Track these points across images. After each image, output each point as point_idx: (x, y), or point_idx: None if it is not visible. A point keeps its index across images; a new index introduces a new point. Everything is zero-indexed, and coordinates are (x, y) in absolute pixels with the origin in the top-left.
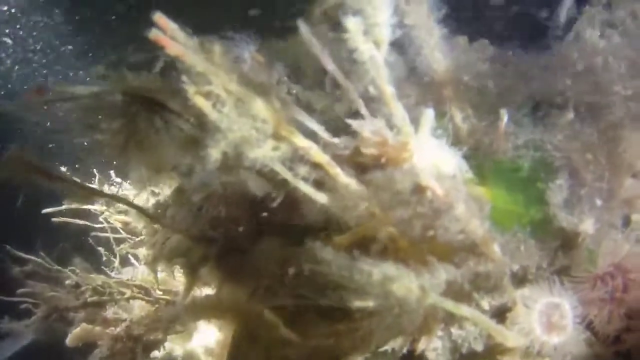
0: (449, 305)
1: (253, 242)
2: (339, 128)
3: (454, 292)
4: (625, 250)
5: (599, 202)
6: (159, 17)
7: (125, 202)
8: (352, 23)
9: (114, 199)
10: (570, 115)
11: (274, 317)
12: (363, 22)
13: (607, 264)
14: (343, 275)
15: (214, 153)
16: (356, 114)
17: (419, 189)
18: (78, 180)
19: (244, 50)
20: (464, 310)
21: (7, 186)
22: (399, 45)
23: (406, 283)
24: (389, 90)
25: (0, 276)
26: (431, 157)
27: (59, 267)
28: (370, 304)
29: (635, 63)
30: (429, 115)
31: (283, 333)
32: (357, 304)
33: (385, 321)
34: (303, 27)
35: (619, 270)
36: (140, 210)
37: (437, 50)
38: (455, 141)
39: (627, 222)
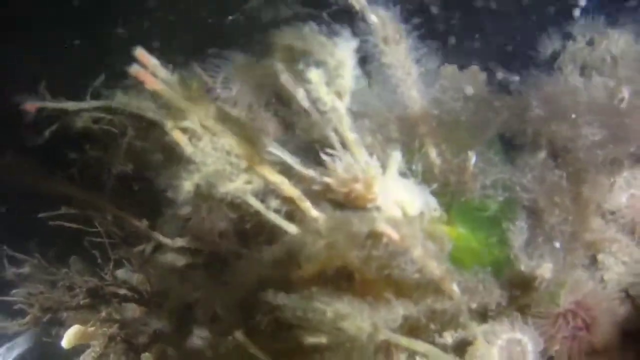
0: (403, 340)
1: (237, 257)
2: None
3: (412, 327)
4: (588, 288)
5: (557, 245)
6: (140, 53)
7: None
8: (314, 74)
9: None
10: (542, 155)
11: (244, 338)
12: (325, 72)
13: (570, 301)
14: (298, 315)
15: (187, 185)
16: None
17: (374, 234)
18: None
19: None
20: (418, 345)
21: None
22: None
23: (358, 321)
24: (351, 137)
25: None
26: (395, 198)
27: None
28: (323, 340)
29: (606, 108)
30: (395, 157)
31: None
32: (310, 340)
33: (336, 357)
34: (279, 68)
35: (581, 308)
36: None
37: (413, 89)
38: (428, 177)
39: (593, 262)
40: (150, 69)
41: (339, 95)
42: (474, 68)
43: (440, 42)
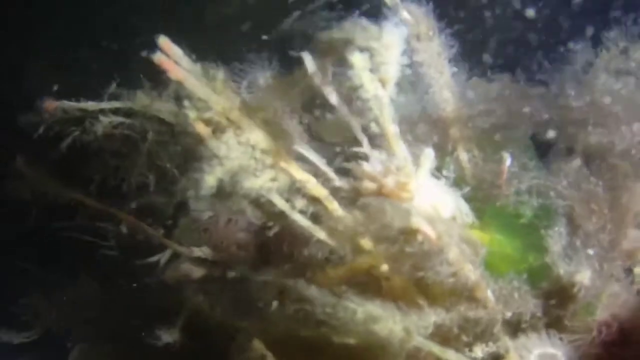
0: (435, 348)
1: (256, 270)
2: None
3: (442, 336)
4: (624, 301)
5: (595, 252)
6: (163, 41)
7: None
8: (357, 59)
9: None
10: (578, 162)
11: (262, 348)
12: (370, 59)
13: (605, 314)
14: (327, 312)
15: (210, 180)
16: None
17: (409, 230)
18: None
19: (259, 74)
20: (450, 355)
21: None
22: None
23: (390, 324)
24: (392, 129)
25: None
26: (430, 199)
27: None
28: (351, 341)
29: None
30: (429, 155)
31: None
32: (338, 340)
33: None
34: (308, 60)
35: (616, 322)
36: None
37: (445, 89)
38: (459, 181)
39: (629, 274)
40: (173, 57)
41: (382, 82)
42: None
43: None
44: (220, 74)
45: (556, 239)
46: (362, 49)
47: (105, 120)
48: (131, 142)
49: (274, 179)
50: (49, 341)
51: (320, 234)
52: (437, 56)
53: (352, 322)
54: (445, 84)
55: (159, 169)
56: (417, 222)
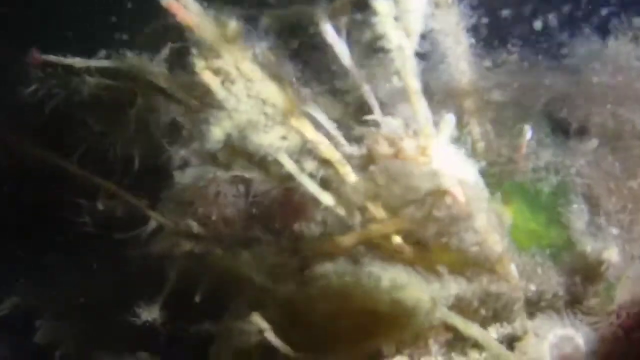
0: (459, 322)
1: (244, 246)
2: (348, 137)
3: (461, 309)
4: None
5: (616, 232)
6: None
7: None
8: (382, 4)
9: None
10: (595, 143)
11: (261, 322)
12: (395, 7)
13: (625, 298)
14: (348, 281)
15: (217, 132)
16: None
17: (437, 192)
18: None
19: (255, 45)
20: (474, 329)
21: None
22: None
23: (417, 292)
24: (414, 84)
25: None
26: (450, 166)
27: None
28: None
29: None
30: (449, 120)
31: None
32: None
33: (389, 332)
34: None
35: (637, 306)
36: None
37: (462, 60)
38: (472, 156)
39: None
40: (182, 1)
41: (407, 33)
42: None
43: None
44: (233, 22)
45: (578, 215)
46: None
47: (91, 81)
48: (118, 107)
49: (284, 137)
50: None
51: (329, 199)
52: (455, 25)
53: (377, 289)
54: (462, 55)
55: (146, 137)
56: (448, 184)
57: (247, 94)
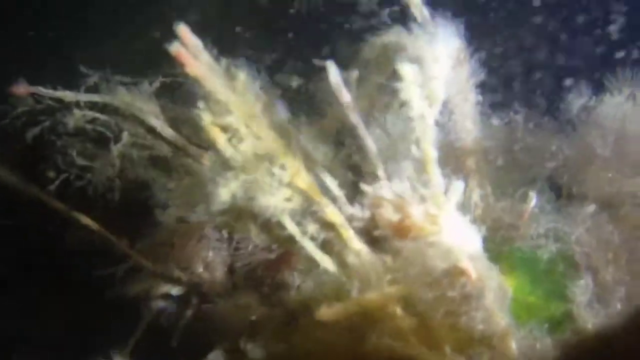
0: None
1: (223, 294)
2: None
3: None
4: None
5: (619, 306)
6: (182, 30)
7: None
8: (408, 70)
9: None
10: (592, 208)
11: None
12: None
13: None
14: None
15: (224, 194)
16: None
17: (453, 271)
18: None
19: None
20: None
21: None
22: None
23: None
24: (432, 154)
25: None
26: (457, 235)
27: None
28: None
29: None
30: (458, 188)
31: None
32: None
33: None
34: (332, 70)
35: None
36: None
37: (469, 118)
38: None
39: None
40: (192, 50)
41: (430, 100)
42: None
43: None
44: (242, 73)
45: (581, 290)
46: (411, 59)
47: (78, 113)
48: (103, 141)
49: (288, 199)
50: None
51: (329, 264)
52: (465, 82)
53: None
54: (468, 113)
55: (129, 174)
56: (463, 262)
57: (254, 153)
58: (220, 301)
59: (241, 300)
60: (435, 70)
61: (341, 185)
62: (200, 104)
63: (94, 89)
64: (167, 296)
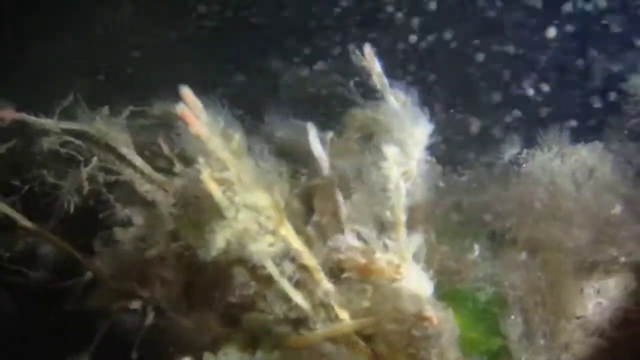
0: None
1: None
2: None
3: None
4: None
5: (542, 342)
6: (186, 93)
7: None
8: (392, 152)
9: None
10: (523, 256)
11: None
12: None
13: None
14: None
15: (219, 240)
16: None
17: (419, 316)
18: None
19: None
20: None
21: None
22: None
23: None
24: (402, 218)
25: None
26: (416, 282)
27: None
28: None
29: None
30: (416, 241)
31: None
32: None
33: None
34: (312, 132)
35: None
36: None
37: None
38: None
39: None
40: (194, 110)
41: (405, 177)
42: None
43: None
44: (237, 135)
45: (513, 326)
46: (395, 141)
47: (54, 136)
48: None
49: (272, 245)
50: None
51: (300, 299)
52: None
53: None
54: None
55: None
56: (429, 312)
57: (244, 204)
58: (177, 317)
59: (201, 319)
60: (415, 153)
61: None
62: (200, 160)
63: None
64: (125, 310)
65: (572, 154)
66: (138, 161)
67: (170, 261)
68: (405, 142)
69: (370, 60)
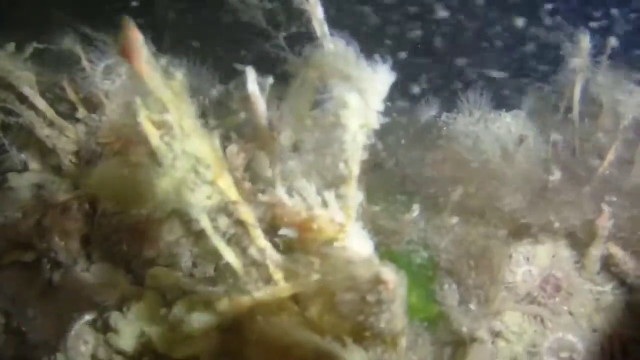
0: None
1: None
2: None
3: None
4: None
5: (474, 307)
6: (129, 26)
7: None
8: (355, 100)
9: None
10: (455, 220)
11: None
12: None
13: None
14: None
15: (161, 186)
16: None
17: (375, 280)
18: None
19: None
20: None
21: None
22: None
23: None
24: (356, 171)
25: None
26: (357, 243)
27: None
28: None
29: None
30: (359, 198)
31: None
32: None
33: None
34: (250, 76)
35: None
36: None
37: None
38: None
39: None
40: (135, 45)
41: (365, 128)
42: None
43: None
44: (180, 73)
45: (450, 294)
46: (356, 89)
47: None
48: None
49: (209, 197)
50: None
51: (231, 257)
52: None
53: None
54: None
55: None
56: (385, 274)
57: (182, 150)
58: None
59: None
60: (376, 103)
61: None
62: (137, 99)
63: None
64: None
65: (495, 120)
66: (40, 103)
67: (72, 212)
68: (365, 90)
69: (313, 5)
